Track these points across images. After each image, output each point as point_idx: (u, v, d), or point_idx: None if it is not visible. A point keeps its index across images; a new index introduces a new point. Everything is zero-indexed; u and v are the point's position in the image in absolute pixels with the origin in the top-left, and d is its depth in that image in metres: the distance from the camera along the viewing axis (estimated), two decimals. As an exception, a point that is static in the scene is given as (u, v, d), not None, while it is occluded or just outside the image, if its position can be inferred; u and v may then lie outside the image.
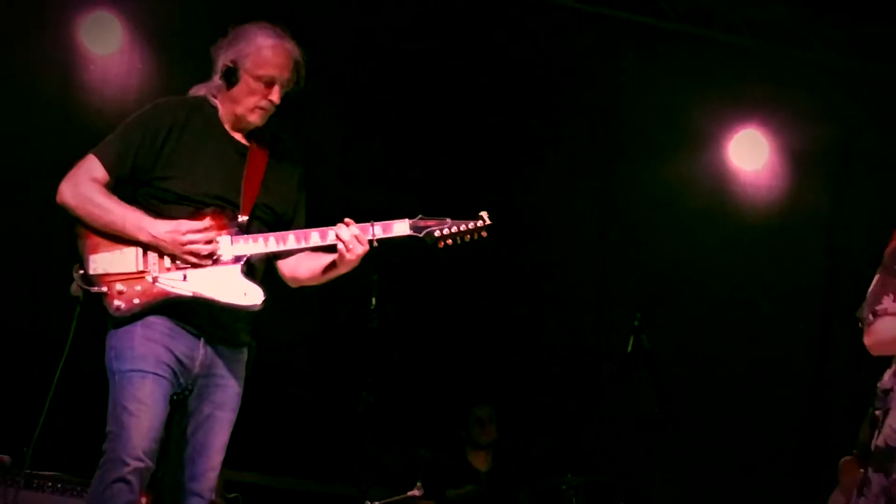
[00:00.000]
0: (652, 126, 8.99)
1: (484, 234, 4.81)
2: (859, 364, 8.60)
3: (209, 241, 4.67)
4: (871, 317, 4.00)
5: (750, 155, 9.06)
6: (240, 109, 4.83)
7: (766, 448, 8.83)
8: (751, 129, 8.97)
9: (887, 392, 4.05)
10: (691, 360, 8.84)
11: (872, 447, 4.08)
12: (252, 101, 4.80)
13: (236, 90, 4.82)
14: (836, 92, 8.79)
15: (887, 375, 4.06)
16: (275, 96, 4.80)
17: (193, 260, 4.65)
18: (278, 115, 4.91)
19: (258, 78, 4.78)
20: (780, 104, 8.86)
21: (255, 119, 4.83)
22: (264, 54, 4.78)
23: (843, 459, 6.73)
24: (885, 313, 3.97)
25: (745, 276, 9.06)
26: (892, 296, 3.99)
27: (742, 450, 8.81)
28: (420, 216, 4.81)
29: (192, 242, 4.64)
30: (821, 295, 9.19)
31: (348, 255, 4.69)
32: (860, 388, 4.29)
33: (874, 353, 4.03)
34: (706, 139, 9.04)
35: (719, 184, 9.10)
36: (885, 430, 3.98)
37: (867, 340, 4.01)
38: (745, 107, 8.92)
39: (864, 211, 8.65)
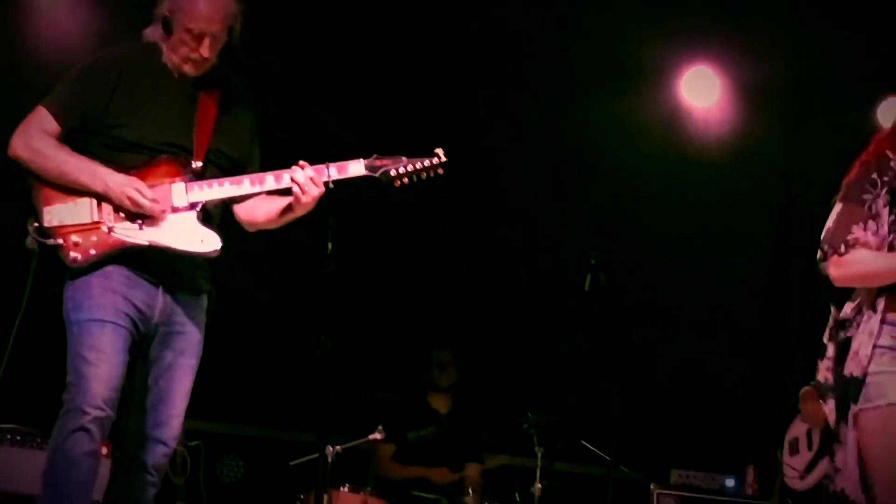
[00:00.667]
0: (602, 65, 8.96)
1: (440, 171, 4.80)
2: (813, 297, 8.72)
3: (156, 202, 4.63)
4: (842, 247, 3.98)
5: (701, 92, 9.03)
6: (175, 59, 4.79)
7: (726, 382, 8.89)
8: (702, 66, 8.94)
9: (845, 323, 4.05)
10: (648, 298, 8.87)
11: (830, 377, 4.09)
12: (183, 52, 4.76)
13: (172, 40, 4.77)
14: (788, 26, 8.78)
15: (849, 307, 4.06)
16: (204, 50, 4.74)
17: (133, 209, 4.62)
18: (229, 59, 4.88)
19: (188, 31, 4.73)
20: (731, 40, 8.84)
21: (189, 69, 4.79)
22: (197, 7, 4.71)
23: (803, 389, 6.79)
24: (858, 243, 3.97)
25: (698, 214, 9.07)
26: (862, 225, 3.98)
27: (702, 384, 8.86)
28: (375, 156, 4.80)
29: (134, 203, 4.60)
30: (775, 230, 9.23)
31: (304, 198, 4.68)
32: (815, 321, 4.30)
33: (842, 284, 4.01)
34: (657, 77, 9.01)
35: (671, 122, 9.09)
36: (850, 362, 3.99)
37: (837, 272, 3.98)
38: (696, 43, 8.89)
39: (818, 146, 8.68)
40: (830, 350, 4.10)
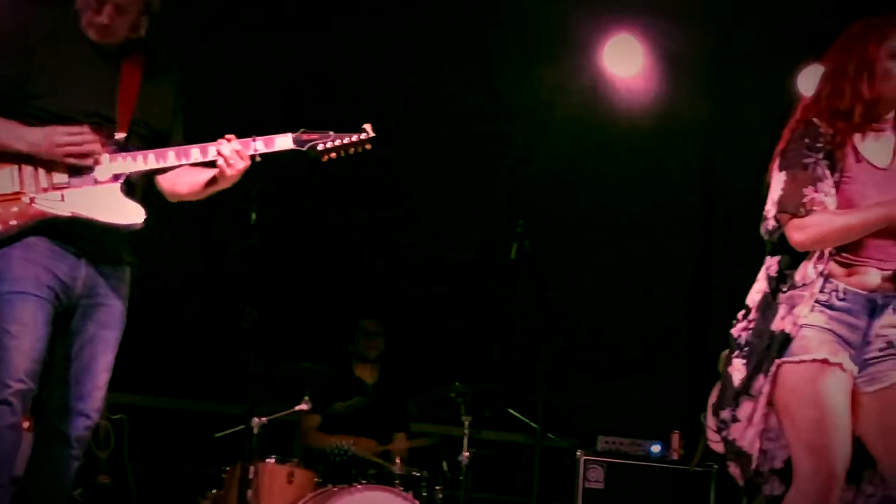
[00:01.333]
0: (526, 33, 8.95)
1: (368, 146, 4.78)
2: (737, 262, 8.80)
3: (86, 142, 4.55)
4: (801, 210, 4.00)
5: (624, 60, 9.04)
6: (83, 23, 4.70)
7: (651, 348, 8.96)
8: (624, 35, 8.94)
9: (787, 282, 4.06)
10: (574, 266, 8.91)
11: (744, 335, 4.12)
12: (87, 16, 4.67)
13: (79, 2, 4.69)
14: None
15: (808, 269, 4.06)
16: (105, 17, 4.64)
17: (72, 161, 4.54)
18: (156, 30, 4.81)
19: None
20: (653, 8, 8.85)
21: (93, 35, 4.69)
22: None
23: (723, 353, 6.83)
24: (814, 204, 3.99)
25: (623, 181, 9.11)
26: (812, 187, 4.01)
27: (628, 351, 8.93)
28: (303, 130, 4.76)
29: (68, 144, 4.52)
30: (699, 197, 9.29)
31: (229, 171, 4.64)
32: (738, 288, 4.33)
33: (806, 247, 4.03)
34: (580, 46, 9.00)
35: (594, 90, 9.10)
36: (782, 318, 4.01)
37: (801, 235, 4.00)
38: (618, 12, 8.89)
39: (740, 113, 8.73)
40: (758, 306, 4.12)
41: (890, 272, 4.06)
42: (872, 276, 4.04)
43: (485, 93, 9.17)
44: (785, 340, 4.00)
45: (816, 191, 4.00)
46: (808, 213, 3.98)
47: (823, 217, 3.97)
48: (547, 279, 7.57)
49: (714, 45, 9.12)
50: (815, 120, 4.09)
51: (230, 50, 8.51)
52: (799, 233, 4.00)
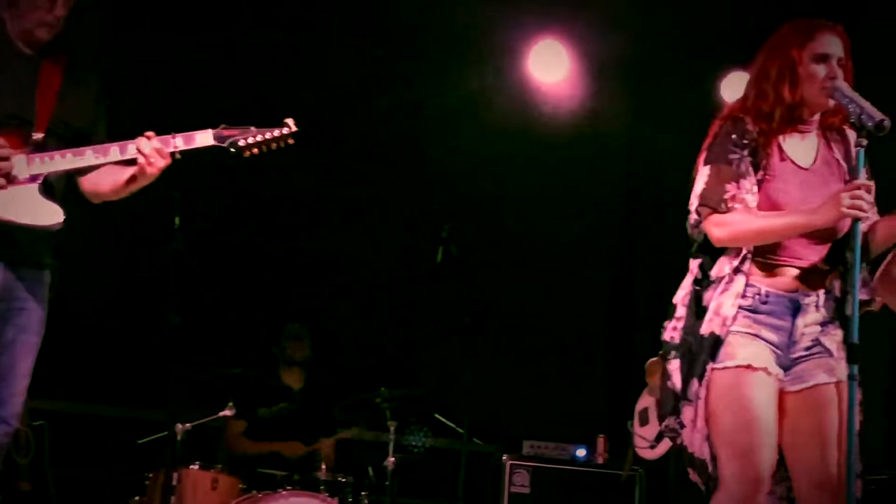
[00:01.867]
0: (452, 38, 8.95)
1: (290, 141, 4.72)
2: (661, 268, 8.85)
3: (4, 159, 4.49)
4: (722, 206, 4.02)
5: (550, 66, 9.06)
6: (27, 24, 4.64)
7: (577, 354, 9.00)
8: (551, 40, 8.97)
9: (711, 283, 4.08)
10: (500, 271, 8.92)
11: (677, 337, 4.13)
12: (38, 15, 4.61)
13: (22, 4, 4.62)
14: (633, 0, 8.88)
15: (714, 267, 4.08)
16: (60, 9, 4.61)
17: None
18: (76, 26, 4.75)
19: None
20: (578, 14, 8.89)
21: (42, 35, 4.64)
22: None
23: (649, 361, 6.88)
24: (735, 200, 4.01)
25: (549, 186, 9.14)
26: (735, 183, 4.03)
27: (553, 356, 8.95)
28: (223, 126, 4.70)
29: None
30: (623, 203, 9.35)
31: (149, 169, 4.57)
32: (662, 292, 4.35)
33: (723, 244, 4.04)
34: (506, 51, 9.02)
35: (520, 95, 9.12)
36: (710, 321, 4.03)
37: (719, 231, 4.02)
38: (544, 17, 8.92)
39: (664, 118, 8.79)
40: (681, 310, 4.13)
41: (809, 271, 4.08)
42: (793, 277, 4.07)
43: (410, 96, 9.15)
44: (715, 343, 4.01)
45: (738, 187, 4.02)
46: (729, 209, 4.00)
47: (743, 216, 3.99)
48: (473, 283, 7.58)
49: (638, 51, 9.17)
50: (742, 116, 4.12)
51: (151, 46, 8.43)
52: (718, 229, 4.02)
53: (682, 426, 4.09)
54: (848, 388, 3.79)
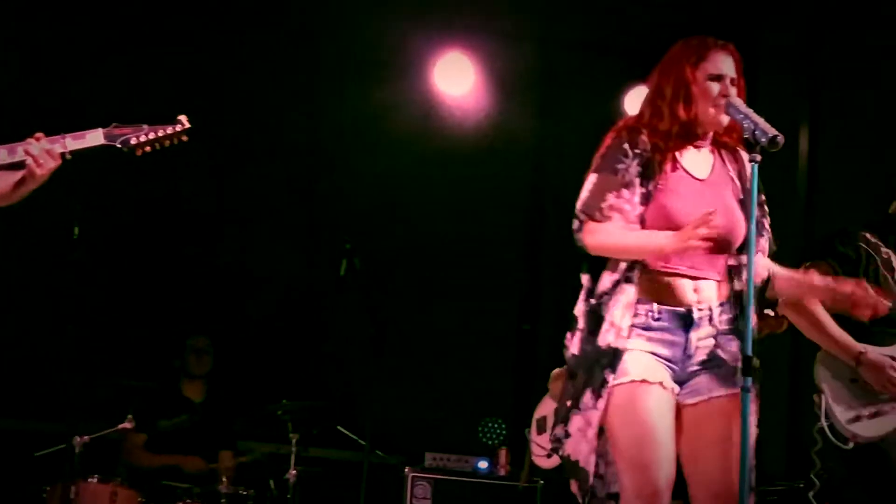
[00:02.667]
0: (356, 49, 8.95)
1: (184, 138, 4.64)
2: (566, 281, 8.90)
3: None
4: (597, 214, 4.04)
5: (455, 78, 9.08)
6: None
7: (481, 365, 9.03)
8: (456, 52, 8.99)
9: (602, 294, 4.10)
10: (404, 283, 8.92)
11: (578, 350, 4.15)
12: None
13: None
14: (537, 13, 8.93)
15: (608, 279, 4.10)
16: None
17: None
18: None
19: None
20: (483, 26, 8.94)
21: None
22: None
23: (555, 370, 6.91)
24: (612, 210, 4.03)
25: (454, 198, 9.16)
26: (615, 193, 4.06)
27: (456, 367, 8.97)
28: (114, 124, 4.62)
29: None
30: (529, 215, 9.40)
31: (38, 171, 4.46)
32: (567, 304, 4.38)
33: (595, 252, 4.06)
34: (411, 64, 9.03)
35: (425, 108, 9.13)
36: (606, 333, 4.05)
37: (591, 239, 4.04)
38: (449, 29, 8.94)
39: (568, 131, 8.85)
40: (581, 322, 4.16)
41: (703, 284, 4.13)
42: (685, 290, 4.11)
43: (314, 108, 9.12)
44: (611, 355, 4.04)
45: (619, 196, 4.04)
46: (605, 217, 4.03)
47: (611, 227, 4.02)
48: (376, 296, 7.58)
49: (543, 65, 9.24)
50: (638, 126, 4.16)
51: (43, 48, 8.33)
52: (590, 236, 4.04)
53: (568, 435, 4.11)
54: (742, 400, 3.82)
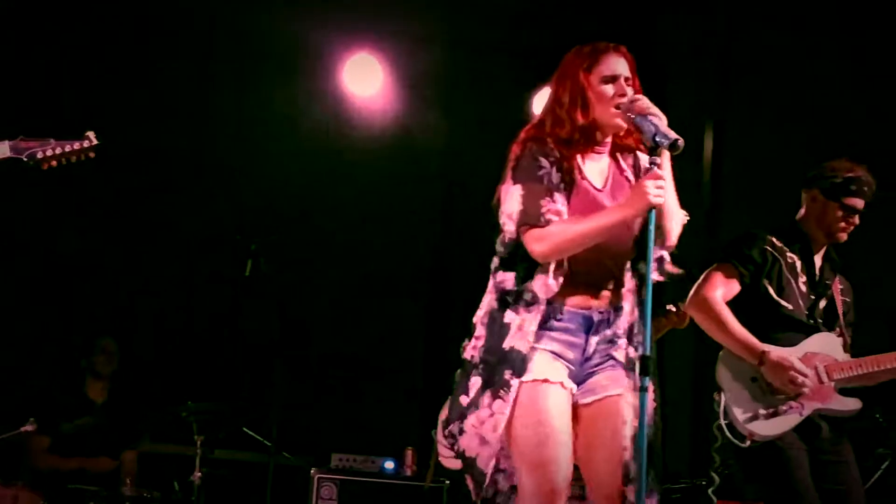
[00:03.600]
0: (266, 50, 8.92)
1: (91, 154, 4.66)
2: (474, 283, 8.92)
3: None
4: (541, 220, 4.05)
5: (364, 79, 9.07)
6: None
7: (389, 366, 9.04)
8: (364, 53, 8.98)
9: (509, 299, 4.12)
10: (311, 284, 8.90)
11: (476, 355, 4.17)
12: None
13: None
14: (444, 15, 8.96)
15: (527, 284, 4.12)
16: None
17: None
18: None
19: None
20: (391, 27, 8.95)
21: None
22: None
23: (458, 371, 6.91)
24: (550, 213, 4.05)
25: (362, 199, 9.15)
26: (548, 198, 4.08)
27: (363, 368, 8.97)
28: (21, 137, 4.60)
29: None
30: (438, 215, 9.42)
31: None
32: (475, 306, 4.39)
33: (546, 258, 4.07)
34: (320, 64, 9.02)
35: (334, 109, 9.12)
36: (513, 336, 4.08)
37: (540, 247, 4.03)
38: (357, 31, 8.94)
39: (478, 133, 8.88)
40: (480, 329, 4.18)
41: (604, 289, 4.17)
42: (587, 295, 4.15)
43: (220, 108, 9.06)
44: (515, 358, 4.06)
45: (553, 201, 4.07)
46: (547, 222, 4.05)
47: (562, 226, 4.04)
48: (283, 296, 7.56)
49: (451, 67, 9.27)
50: (542, 136, 4.19)
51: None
52: (538, 244, 4.05)
53: (463, 431, 4.13)
54: (640, 399, 3.86)
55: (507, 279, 4.16)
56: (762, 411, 5.04)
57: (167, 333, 8.81)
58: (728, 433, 5.06)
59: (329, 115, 9.05)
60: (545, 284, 4.08)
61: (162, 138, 8.80)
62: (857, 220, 5.25)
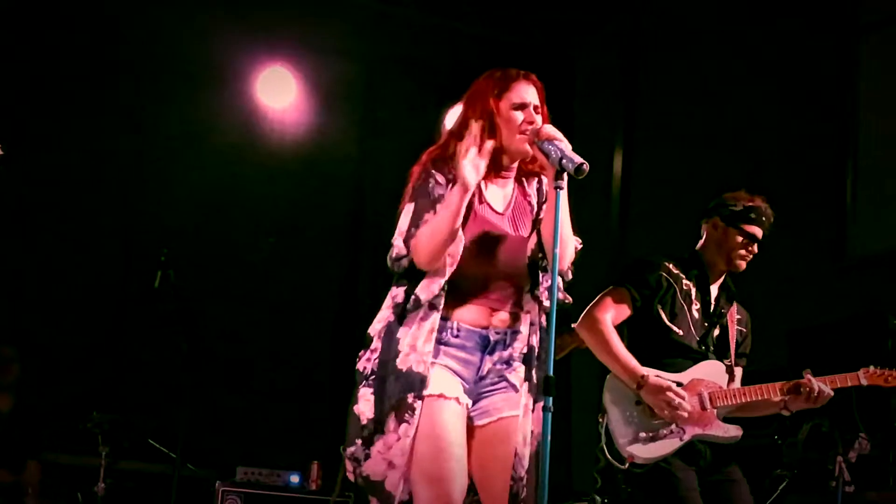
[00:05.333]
0: (179, 62, 8.90)
1: (-3, 163, 4.61)
2: (384, 296, 8.94)
3: None
4: (414, 230, 4.09)
5: (277, 92, 9.08)
6: None
7: (295, 379, 9.03)
8: (278, 66, 9.00)
9: (407, 317, 4.16)
10: (222, 296, 8.88)
11: (368, 367, 4.19)
12: None
13: None
14: (360, 29, 9.00)
15: (419, 299, 4.15)
16: None
17: None
18: None
19: None
20: (305, 40, 8.97)
21: None
22: None
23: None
24: (426, 224, 4.09)
25: (274, 212, 9.17)
26: (432, 212, 4.11)
27: (271, 381, 8.96)
28: (-69, 146, 4.57)
29: None
30: (349, 229, 9.44)
31: None
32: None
33: (428, 264, 4.09)
34: (233, 76, 9.01)
35: (247, 121, 9.11)
36: (407, 355, 4.10)
37: (417, 255, 4.06)
38: (271, 43, 8.95)
39: (390, 147, 8.92)
40: (375, 342, 4.20)
41: (501, 311, 4.22)
42: (484, 314, 4.20)
43: (133, 117, 9.01)
44: (413, 378, 4.08)
45: (435, 213, 4.11)
46: (417, 233, 4.09)
47: (421, 229, 4.09)
48: (193, 308, 7.53)
49: (365, 80, 9.31)
50: (445, 157, 4.22)
51: None
52: (416, 252, 4.09)
53: (369, 457, 4.14)
54: (542, 419, 3.90)
55: (399, 293, 4.20)
56: (643, 434, 5.08)
57: (72, 343, 8.73)
58: (609, 455, 5.12)
59: (241, 128, 9.05)
60: (427, 289, 4.11)
61: (73, 149, 8.75)
62: (755, 248, 5.32)
